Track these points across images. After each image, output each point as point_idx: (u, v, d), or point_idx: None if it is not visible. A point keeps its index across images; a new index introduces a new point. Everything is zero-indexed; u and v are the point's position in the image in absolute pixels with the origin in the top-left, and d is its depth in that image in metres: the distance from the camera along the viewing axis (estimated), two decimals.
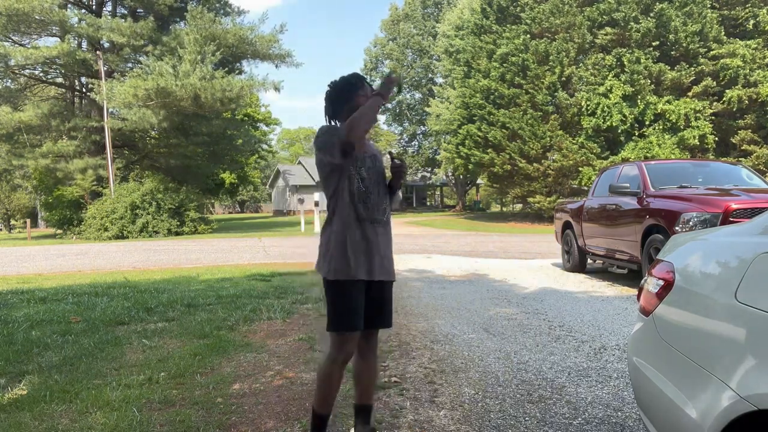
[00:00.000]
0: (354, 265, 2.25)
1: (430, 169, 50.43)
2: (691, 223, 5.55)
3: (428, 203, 55.13)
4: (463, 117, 26.98)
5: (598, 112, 22.01)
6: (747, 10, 22.33)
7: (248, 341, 4.32)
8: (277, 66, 27.95)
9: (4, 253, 15.52)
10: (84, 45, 25.43)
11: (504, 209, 39.96)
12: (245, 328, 4.78)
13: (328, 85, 2.43)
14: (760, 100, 21.47)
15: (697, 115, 21.83)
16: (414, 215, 38.88)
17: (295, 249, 13.92)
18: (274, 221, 36.90)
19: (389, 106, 49.96)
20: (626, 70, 22.03)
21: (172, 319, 5.12)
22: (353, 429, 2.47)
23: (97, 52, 24.12)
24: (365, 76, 2.51)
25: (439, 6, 45.41)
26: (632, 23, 22.14)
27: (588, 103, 22.27)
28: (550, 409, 2.90)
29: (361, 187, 2.30)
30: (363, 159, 2.35)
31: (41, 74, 26.66)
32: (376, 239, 2.31)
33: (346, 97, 2.36)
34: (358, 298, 2.27)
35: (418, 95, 48.68)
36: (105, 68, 23.99)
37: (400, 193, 2.54)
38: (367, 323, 2.31)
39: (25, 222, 32.69)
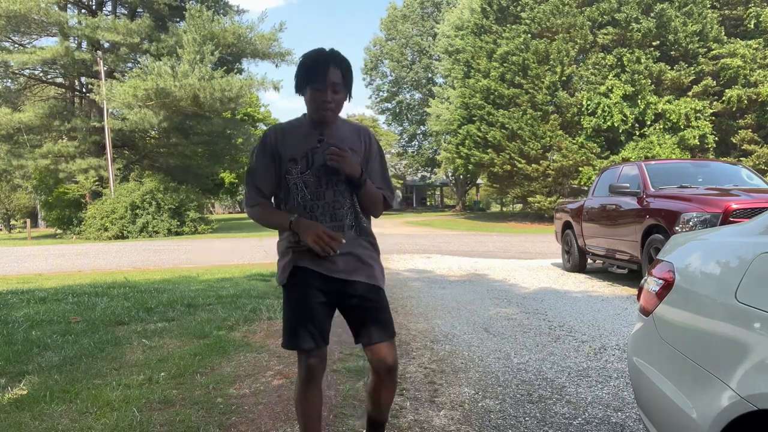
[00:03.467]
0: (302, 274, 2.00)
1: (430, 169, 50.44)
2: (691, 223, 5.55)
3: (428, 203, 55.16)
4: (462, 117, 26.99)
5: (599, 111, 22.02)
6: (749, 10, 22.34)
7: (248, 341, 4.32)
8: (276, 65, 27.98)
9: (4, 253, 15.52)
10: (84, 45, 25.43)
11: (504, 209, 39.98)
12: (245, 328, 4.78)
13: (300, 57, 2.01)
14: (760, 100, 21.48)
15: (698, 115, 21.84)
16: (414, 215, 38.90)
17: None
18: None
19: (389, 105, 50.07)
20: (627, 69, 22.03)
21: (172, 319, 5.12)
22: None
23: (97, 52, 24.12)
24: (335, 55, 1.96)
25: (439, 6, 45.40)
26: (633, 23, 22.14)
27: (588, 102, 22.27)
28: (550, 409, 2.90)
29: (307, 195, 1.99)
30: (305, 159, 1.99)
31: (41, 74, 26.67)
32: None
33: (300, 85, 1.98)
34: (308, 311, 1.99)
35: (418, 95, 48.67)
36: (105, 68, 23.99)
37: (369, 188, 2.03)
38: (356, 337, 2.07)
39: (25, 222, 32.68)
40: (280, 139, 2.02)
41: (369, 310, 2.02)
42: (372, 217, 2.16)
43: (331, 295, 2.01)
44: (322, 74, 1.91)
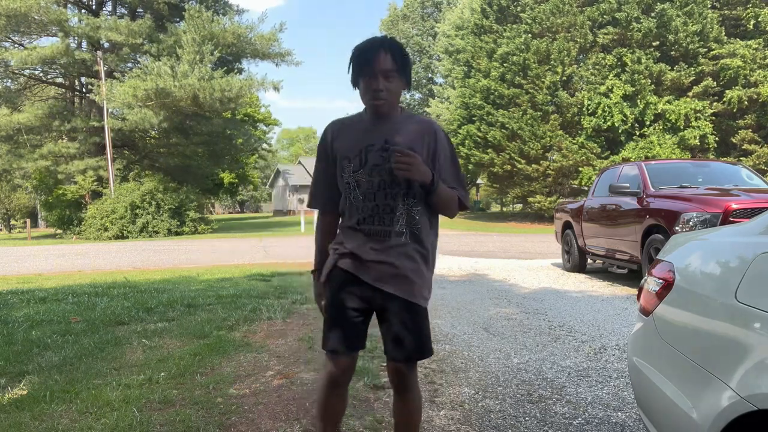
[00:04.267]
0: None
1: None
2: (691, 223, 5.55)
3: None
4: (462, 117, 26.99)
5: (599, 111, 22.02)
6: (748, 11, 22.35)
7: (248, 341, 4.32)
8: (276, 65, 27.97)
9: (4, 253, 15.53)
10: (84, 45, 25.43)
11: (504, 209, 39.97)
12: (245, 328, 4.78)
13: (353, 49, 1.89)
14: (760, 101, 21.48)
15: (698, 115, 21.85)
16: None
17: (295, 249, 13.92)
18: (274, 221, 36.91)
19: None
20: (627, 69, 22.04)
21: (172, 319, 5.11)
22: None
23: (97, 52, 24.12)
24: (386, 41, 1.84)
25: (439, 6, 45.41)
26: (633, 23, 22.15)
27: (589, 102, 22.28)
28: (550, 409, 2.90)
29: (358, 195, 1.89)
30: (358, 158, 1.88)
31: (41, 74, 26.67)
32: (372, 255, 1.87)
33: (354, 77, 1.88)
34: (338, 308, 1.92)
35: (418, 95, 48.66)
36: (105, 68, 23.99)
37: (442, 191, 1.86)
38: (386, 352, 1.96)
39: (25, 222, 32.69)
40: (336, 136, 1.95)
41: (394, 325, 1.88)
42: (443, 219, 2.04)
43: (364, 301, 1.90)
44: (371, 61, 1.80)
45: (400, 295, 1.86)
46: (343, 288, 1.90)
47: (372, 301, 1.89)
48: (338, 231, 1.99)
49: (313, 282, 2.07)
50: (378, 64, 1.79)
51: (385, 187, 1.85)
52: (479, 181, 39.90)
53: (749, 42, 22.02)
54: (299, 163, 52.11)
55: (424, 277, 1.91)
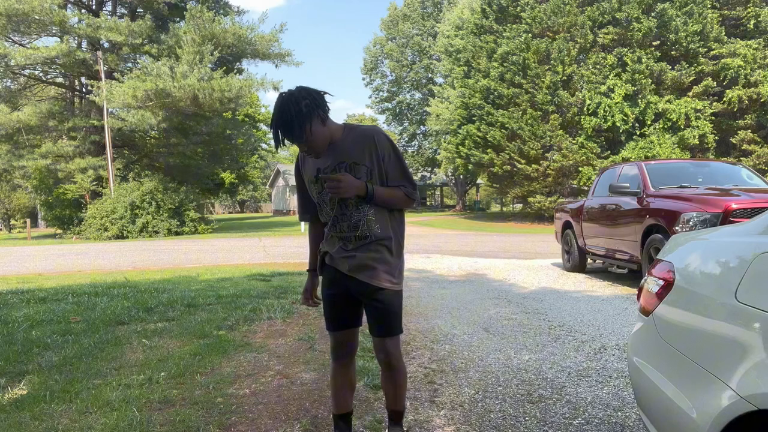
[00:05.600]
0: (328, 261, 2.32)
1: (430, 169, 50.44)
2: (691, 223, 5.54)
3: (428, 203, 55.13)
4: (462, 117, 27.00)
5: (600, 111, 22.03)
6: (749, 10, 22.35)
7: (248, 341, 4.32)
8: (276, 65, 27.97)
9: (4, 253, 15.52)
10: (84, 45, 25.43)
11: (504, 209, 39.99)
12: (245, 328, 4.78)
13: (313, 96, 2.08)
14: (761, 101, 21.48)
15: (698, 114, 21.85)
16: (414, 215, 38.86)
17: (295, 249, 13.92)
18: (274, 221, 36.91)
19: (389, 105, 50.08)
20: (628, 69, 22.05)
21: (172, 319, 5.12)
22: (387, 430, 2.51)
23: (97, 52, 24.12)
24: (283, 125, 2.03)
25: (439, 6, 45.41)
26: (634, 23, 22.15)
27: (590, 102, 22.28)
28: (550, 409, 2.90)
29: (326, 209, 2.27)
30: (319, 182, 2.23)
31: (41, 74, 26.66)
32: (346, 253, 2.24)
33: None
34: (329, 294, 2.32)
35: (418, 95, 48.67)
36: (105, 68, 23.98)
37: (381, 194, 2.17)
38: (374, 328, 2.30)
39: (25, 222, 32.69)
40: (302, 164, 2.31)
41: (370, 307, 2.25)
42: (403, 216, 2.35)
43: (345, 288, 2.26)
44: (283, 142, 2.07)
45: (368, 281, 2.19)
46: (330, 280, 2.30)
47: (351, 288, 2.24)
48: (324, 235, 2.35)
49: (306, 279, 2.48)
50: (289, 143, 2.10)
51: (339, 201, 2.18)
52: (479, 181, 39.94)
53: (749, 42, 22.03)
54: None
55: (389, 264, 2.22)
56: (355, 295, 2.26)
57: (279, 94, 2.06)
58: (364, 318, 2.36)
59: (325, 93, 2.12)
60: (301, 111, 2.01)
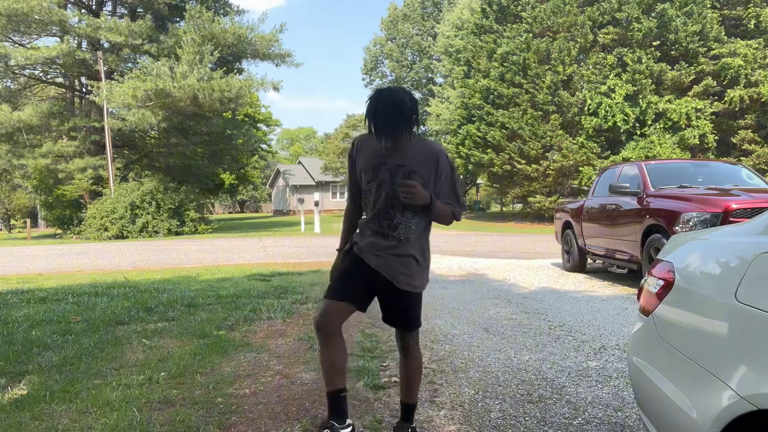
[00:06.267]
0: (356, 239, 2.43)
1: None
2: (691, 223, 5.55)
3: None
4: (462, 117, 26.98)
5: (601, 111, 22.03)
6: (749, 10, 22.36)
7: (248, 341, 4.32)
8: (277, 65, 27.96)
9: (4, 253, 15.52)
10: (84, 45, 25.43)
11: (504, 209, 39.96)
12: (245, 328, 4.78)
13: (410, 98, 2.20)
14: (761, 100, 21.48)
15: (698, 114, 21.85)
16: None
17: (295, 249, 13.92)
18: (274, 221, 36.91)
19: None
20: (628, 69, 22.05)
21: (172, 319, 5.11)
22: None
23: (97, 52, 24.12)
24: (388, 127, 2.17)
25: (439, 6, 45.39)
26: (634, 23, 22.16)
27: (590, 102, 22.28)
28: (550, 409, 2.90)
29: (370, 201, 2.37)
30: (372, 171, 2.34)
31: (41, 74, 26.66)
32: (381, 245, 2.35)
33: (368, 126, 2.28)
34: (347, 271, 2.40)
35: (418, 95, 48.63)
36: (105, 68, 23.98)
37: (438, 208, 2.30)
38: (391, 321, 2.47)
39: (25, 222, 32.69)
40: (359, 150, 2.41)
41: (391, 305, 2.41)
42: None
43: (367, 277, 2.35)
44: (384, 130, 2.16)
45: (391, 281, 2.32)
46: (353, 264, 2.39)
47: (372, 281, 2.34)
48: (358, 225, 2.47)
49: (336, 258, 2.54)
50: (389, 127, 2.16)
51: (388, 200, 2.29)
52: (479, 181, 39.92)
53: (749, 42, 22.03)
54: (299, 163, 52.06)
55: (413, 270, 2.35)
56: (374, 289, 2.37)
57: (383, 88, 2.20)
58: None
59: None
60: (411, 109, 2.17)
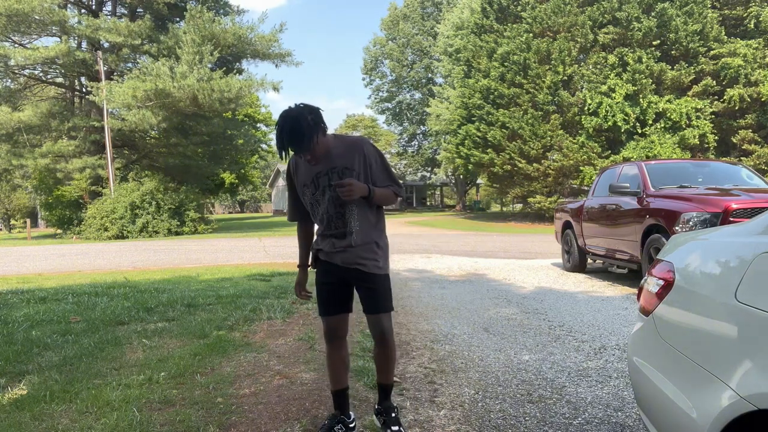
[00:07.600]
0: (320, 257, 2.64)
1: (430, 169, 50.42)
2: (691, 223, 5.54)
3: (428, 203, 55.14)
4: (462, 117, 26.98)
5: (601, 111, 22.03)
6: (749, 10, 22.36)
7: (248, 341, 4.32)
8: (276, 65, 27.96)
9: (4, 253, 15.53)
10: (84, 45, 25.42)
11: (504, 209, 39.96)
12: (245, 328, 4.78)
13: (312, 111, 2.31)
14: (762, 100, 21.48)
15: (698, 114, 21.85)
16: (414, 215, 38.88)
17: (295, 249, 13.87)
18: (274, 221, 36.90)
19: (389, 105, 50.07)
20: (629, 69, 22.04)
21: (172, 319, 5.12)
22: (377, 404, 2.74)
23: (97, 52, 24.12)
24: (289, 141, 2.28)
25: (439, 6, 45.39)
26: (634, 23, 22.16)
27: (590, 102, 22.28)
28: (550, 409, 2.90)
29: (319, 211, 2.55)
30: (313, 184, 2.51)
31: (41, 74, 26.66)
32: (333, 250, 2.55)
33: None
34: (323, 282, 2.62)
35: (418, 95, 48.63)
36: (105, 68, 23.98)
37: (378, 194, 2.47)
38: (363, 310, 2.62)
39: (25, 222, 32.69)
40: (293, 169, 2.59)
41: (364, 291, 2.57)
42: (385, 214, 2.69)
43: (339, 278, 2.57)
44: (287, 153, 2.33)
45: (360, 269, 2.51)
46: (325, 271, 2.61)
47: (345, 277, 2.55)
48: (315, 236, 2.68)
49: (298, 274, 2.76)
50: (298, 150, 2.31)
51: (333, 201, 2.47)
52: (479, 181, 39.94)
53: (749, 41, 22.03)
54: None
55: (377, 254, 2.55)
56: (350, 283, 2.58)
57: (283, 111, 2.32)
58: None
59: (321, 109, 2.39)
60: (309, 124, 2.27)
